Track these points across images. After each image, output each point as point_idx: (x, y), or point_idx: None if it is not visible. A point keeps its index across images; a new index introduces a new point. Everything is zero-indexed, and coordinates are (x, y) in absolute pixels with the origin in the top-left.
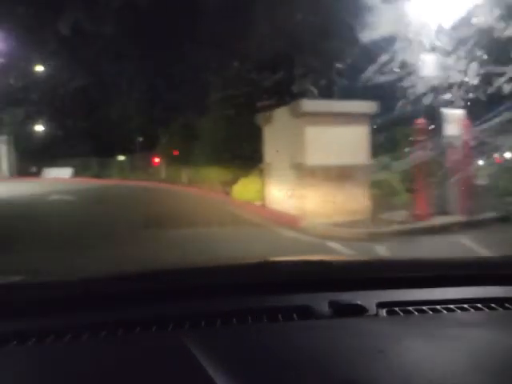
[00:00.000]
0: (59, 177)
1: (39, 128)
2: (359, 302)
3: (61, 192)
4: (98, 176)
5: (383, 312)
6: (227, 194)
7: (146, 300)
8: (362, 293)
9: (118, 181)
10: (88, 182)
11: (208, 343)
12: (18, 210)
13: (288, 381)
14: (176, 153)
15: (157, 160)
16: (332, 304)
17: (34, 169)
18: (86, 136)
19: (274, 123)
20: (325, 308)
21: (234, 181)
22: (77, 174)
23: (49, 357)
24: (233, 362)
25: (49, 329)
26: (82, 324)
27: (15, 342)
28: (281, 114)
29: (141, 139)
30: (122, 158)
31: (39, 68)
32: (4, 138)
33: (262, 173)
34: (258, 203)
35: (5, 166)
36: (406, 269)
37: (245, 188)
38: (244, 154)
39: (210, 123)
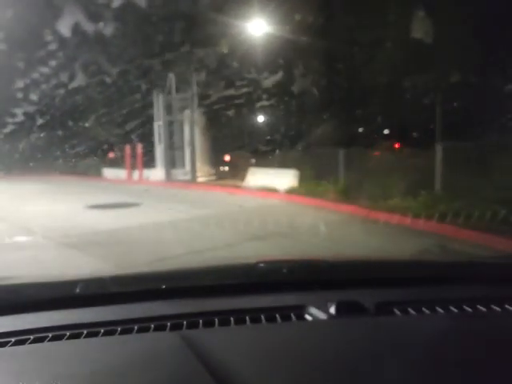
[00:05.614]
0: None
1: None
2: (358, 302)
3: None
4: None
5: (382, 311)
6: None
7: (145, 300)
8: (360, 292)
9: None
10: None
11: (206, 343)
12: None
13: (286, 380)
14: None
15: (376, 153)
16: (331, 304)
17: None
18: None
19: None
20: (323, 308)
21: None
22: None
23: (47, 356)
24: (231, 362)
25: (47, 328)
26: (80, 324)
27: (14, 342)
28: None
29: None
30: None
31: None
32: (187, 114)
33: None
34: None
35: (187, 163)
36: (405, 269)
37: None
38: None
39: None
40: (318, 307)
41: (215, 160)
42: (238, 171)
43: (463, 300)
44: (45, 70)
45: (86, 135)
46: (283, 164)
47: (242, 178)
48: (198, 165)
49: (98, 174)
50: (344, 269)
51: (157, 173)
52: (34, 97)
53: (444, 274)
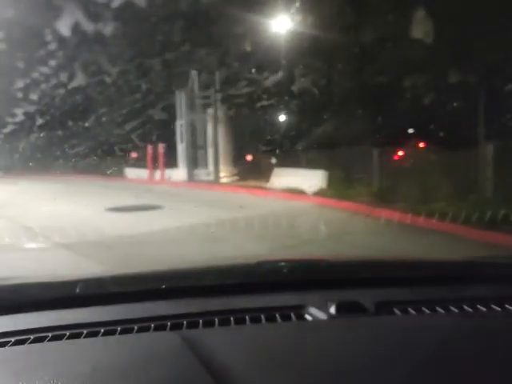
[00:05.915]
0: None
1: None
2: (358, 301)
3: None
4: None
5: (382, 311)
6: None
7: (145, 300)
8: (360, 292)
9: None
10: None
11: (206, 343)
12: None
13: (287, 380)
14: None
15: (400, 154)
16: (331, 304)
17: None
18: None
19: None
20: (323, 308)
21: None
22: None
23: (47, 356)
24: (231, 362)
25: (47, 328)
26: (80, 324)
27: (14, 342)
28: None
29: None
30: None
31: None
32: (210, 112)
33: None
34: None
35: (210, 162)
36: (405, 268)
37: None
38: None
39: None
40: (318, 307)
41: (236, 159)
42: (260, 171)
43: (463, 300)
44: (45, 69)
45: (86, 135)
46: (307, 164)
47: (266, 178)
48: (221, 165)
49: (112, 173)
50: (344, 269)
51: (179, 173)
52: (34, 97)
53: (444, 273)
